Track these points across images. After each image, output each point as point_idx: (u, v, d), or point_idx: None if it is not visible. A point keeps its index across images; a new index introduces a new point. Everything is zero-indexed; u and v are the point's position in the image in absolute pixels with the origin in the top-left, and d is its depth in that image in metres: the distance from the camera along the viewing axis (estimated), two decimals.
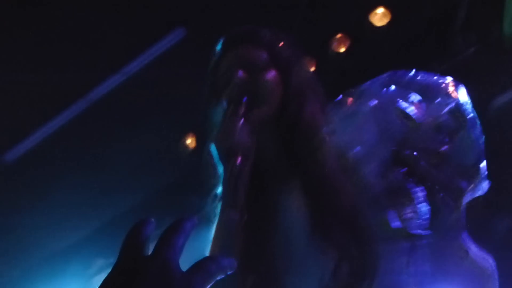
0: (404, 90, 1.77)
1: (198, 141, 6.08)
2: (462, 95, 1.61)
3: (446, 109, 1.58)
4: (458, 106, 1.61)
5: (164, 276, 0.95)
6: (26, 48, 5.06)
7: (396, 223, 1.41)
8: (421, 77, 1.70)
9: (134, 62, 5.41)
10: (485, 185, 1.54)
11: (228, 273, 0.98)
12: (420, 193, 1.44)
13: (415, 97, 1.70)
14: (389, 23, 5.27)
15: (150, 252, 1.01)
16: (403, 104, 1.60)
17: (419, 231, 1.34)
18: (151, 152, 6.15)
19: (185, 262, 0.99)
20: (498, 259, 1.83)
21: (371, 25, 5.29)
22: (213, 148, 1.87)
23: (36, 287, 7.06)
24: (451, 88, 1.61)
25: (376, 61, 5.49)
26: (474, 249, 1.74)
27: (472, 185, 1.55)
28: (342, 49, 5.45)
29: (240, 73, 1.92)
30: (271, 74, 1.92)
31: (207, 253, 1.87)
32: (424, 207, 1.51)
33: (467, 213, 1.81)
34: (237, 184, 1.80)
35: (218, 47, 2.09)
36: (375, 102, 1.69)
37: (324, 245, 1.75)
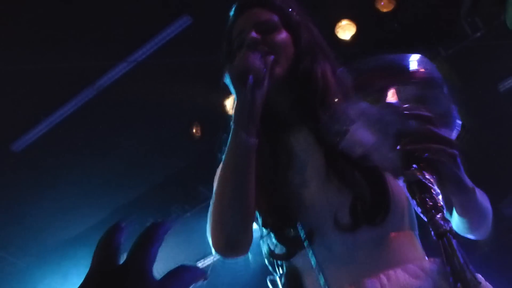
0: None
1: (204, 129, 6.09)
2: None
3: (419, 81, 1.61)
4: (426, 74, 1.63)
5: (138, 285, 0.92)
6: (32, 37, 5.08)
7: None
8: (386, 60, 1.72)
9: (140, 50, 5.42)
10: (458, 124, 1.59)
11: (202, 282, 0.96)
12: (435, 186, 1.46)
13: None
14: (394, 9, 5.26)
15: (123, 260, 0.96)
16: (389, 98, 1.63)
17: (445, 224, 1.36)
18: (157, 140, 6.17)
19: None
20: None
21: (377, 11, 5.28)
22: (227, 77, 1.92)
23: (46, 274, 7.12)
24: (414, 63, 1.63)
25: (381, 47, 5.49)
26: None
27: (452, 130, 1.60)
28: (347, 37, 5.44)
29: (253, 33, 1.97)
30: (283, 35, 2.00)
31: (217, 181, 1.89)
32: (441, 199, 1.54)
33: None
34: (251, 106, 1.84)
35: (232, 11, 2.12)
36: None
37: (338, 185, 1.82)
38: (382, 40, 5.41)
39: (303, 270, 1.85)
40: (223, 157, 1.89)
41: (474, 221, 1.80)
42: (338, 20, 5.39)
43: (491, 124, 5.70)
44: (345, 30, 5.42)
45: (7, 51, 5.07)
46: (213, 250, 1.90)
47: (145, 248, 0.95)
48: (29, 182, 6.30)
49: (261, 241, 1.96)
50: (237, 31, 2.06)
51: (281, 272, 1.92)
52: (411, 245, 1.86)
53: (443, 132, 1.54)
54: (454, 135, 1.60)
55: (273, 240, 1.90)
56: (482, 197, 1.79)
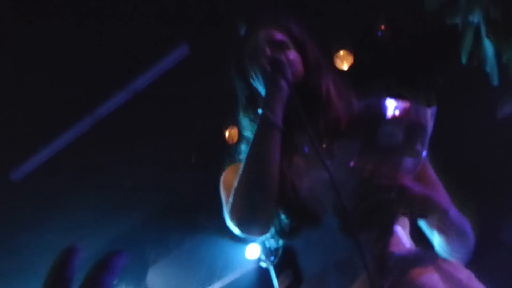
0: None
1: (203, 158, 6.10)
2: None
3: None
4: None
5: None
6: (31, 66, 5.10)
7: None
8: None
9: (139, 80, 5.45)
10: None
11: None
12: None
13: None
14: (391, 36, 5.30)
15: None
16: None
17: None
18: (156, 170, 6.17)
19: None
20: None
21: (373, 37, 5.33)
22: (253, 68, 2.13)
23: None
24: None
25: (378, 72, 5.53)
26: None
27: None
28: (345, 66, 5.48)
29: (268, 50, 2.16)
30: (293, 54, 2.17)
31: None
32: None
33: None
34: (280, 91, 2.04)
35: (243, 31, 2.30)
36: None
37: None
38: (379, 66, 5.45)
39: (300, 249, 1.95)
40: (251, 139, 2.04)
41: (451, 241, 1.96)
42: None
43: (489, 151, 5.71)
44: (343, 60, 5.46)
45: (6, 79, 5.10)
46: (232, 225, 1.97)
47: (98, 280, 0.86)
48: (27, 211, 6.28)
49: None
50: (250, 49, 2.21)
51: (275, 256, 2.01)
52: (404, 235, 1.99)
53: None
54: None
55: (280, 216, 1.97)
56: (459, 219, 1.97)
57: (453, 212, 1.93)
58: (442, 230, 1.96)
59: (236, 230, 1.98)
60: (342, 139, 2.07)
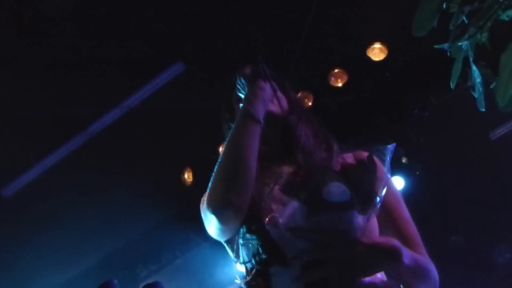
0: None
1: (195, 175, 6.08)
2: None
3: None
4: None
5: None
6: (24, 83, 5.10)
7: None
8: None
9: (133, 96, 5.45)
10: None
11: None
12: None
13: None
14: (386, 58, 5.32)
15: None
16: None
17: None
18: (149, 186, 6.15)
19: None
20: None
21: (368, 59, 5.35)
22: (239, 78, 2.23)
23: None
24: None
25: (372, 94, 5.55)
26: None
27: None
28: (340, 84, 5.50)
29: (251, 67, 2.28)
30: (281, 96, 2.28)
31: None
32: None
33: None
34: (262, 92, 2.15)
35: (233, 80, 2.35)
36: None
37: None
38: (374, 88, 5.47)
39: (273, 273, 1.97)
40: (230, 131, 2.10)
41: (412, 285, 2.02)
42: (332, 68, 5.48)
43: (482, 172, 5.72)
44: (337, 78, 5.49)
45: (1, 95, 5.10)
46: (207, 210, 1.99)
47: None
48: (18, 227, 6.24)
49: (239, 244, 2.07)
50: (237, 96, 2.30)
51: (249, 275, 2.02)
52: None
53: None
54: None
55: (255, 245, 1.99)
56: (418, 266, 2.00)
57: (409, 260, 1.94)
58: (399, 278, 2.00)
59: (210, 221, 2.00)
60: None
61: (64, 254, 6.59)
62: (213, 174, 2.03)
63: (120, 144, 5.74)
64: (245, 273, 2.04)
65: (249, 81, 2.19)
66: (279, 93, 2.26)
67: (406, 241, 2.07)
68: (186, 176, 6.09)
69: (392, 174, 5.66)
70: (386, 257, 1.92)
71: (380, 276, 1.96)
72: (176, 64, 5.26)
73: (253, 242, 1.99)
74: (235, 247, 2.06)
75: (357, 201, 1.89)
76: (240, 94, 2.23)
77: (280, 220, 1.93)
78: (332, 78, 5.52)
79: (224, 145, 2.08)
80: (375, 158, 2.16)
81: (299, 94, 5.59)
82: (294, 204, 1.94)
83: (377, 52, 5.28)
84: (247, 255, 2.02)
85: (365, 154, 2.23)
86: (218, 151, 5.56)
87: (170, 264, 7.05)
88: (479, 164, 5.57)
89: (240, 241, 2.03)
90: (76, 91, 5.20)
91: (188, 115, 5.48)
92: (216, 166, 2.04)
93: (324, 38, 5.23)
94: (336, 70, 5.50)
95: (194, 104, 5.32)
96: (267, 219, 1.96)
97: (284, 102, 2.28)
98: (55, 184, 5.97)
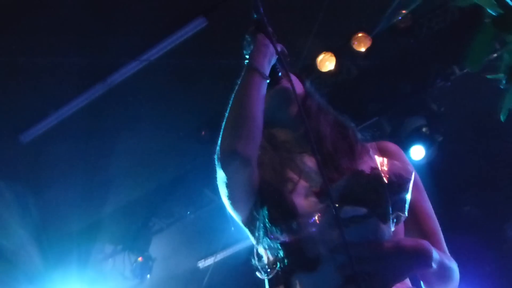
0: None
1: (212, 132, 6.07)
2: None
3: None
4: None
5: None
6: (46, 30, 5.09)
7: None
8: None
9: (153, 49, 5.42)
10: None
11: None
12: None
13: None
14: (411, 25, 5.24)
15: None
16: None
17: None
18: (165, 141, 6.16)
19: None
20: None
21: (394, 25, 5.28)
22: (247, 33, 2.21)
23: (47, 266, 7.10)
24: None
25: (395, 61, 5.48)
26: None
27: None
28: (363, 48, 5.42)
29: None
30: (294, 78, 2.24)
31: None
32: None
33: None
34: (267, 49, 2.12)
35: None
36: None
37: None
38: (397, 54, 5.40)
39: (297, 270, 1.94)
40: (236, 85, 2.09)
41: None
42: (355, 33, 5.41)
43: (500, 147, 5.67)
44: (361, 42, 5.41)
45: (21, 42, 5.09)
46: (216, 164, 2.01)
47: None
48: (34, 174, 6.30)
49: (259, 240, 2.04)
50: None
51: (271, 269, 2.02)
52: None
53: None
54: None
55: (277, 252, 1.97)
56: (443, 267, 1.99)
57: (437, 263, 1.93)
58: (425, 280, 2.02)
59: (219, 176, 2.00)
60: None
61: (78, 204, 6.66)
62: (222, 125, 2.04)
63: (138, 97, 5.74)
64: (266, 262, 2.04)
65: (253, 38, 2.17)
66: (292, 75, 2.21)
67: (427, 237, 2.06)
68: (203, 132, 6.08)
69: (413, 143, 5.62)
70: (416, 262, 1.90)
71: (408, 282, 1.96)
72: (197, 19, 5.21)
73: (277, 246, 1.97)
74: (256, 234, 2.03)
75: (379, 211, 1.86)
76: (246, 52, 2.20)
77: (314, 229, 1.90)
78: (356, 42, 5.44)
79: (232, 99, 2.07)
80: (403, 155, 2.18)
81: (321, 56, 5.53)
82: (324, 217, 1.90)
83: (403, 19, 5.20)
84: (271, 254, 2.01)
85: (390, 145, 2.23)
86: None
87: (183, 219, 7.10)
88: (499, 136, 5.51)
89: (263, 243, 2.00)
90: (96, 40, 5.18)
91: (207, 71, 5.45)
92: (224, 118, 2.05)
93: (348, 1, 5.15)
94: (360, 34, 5.42)
95: (214, 61, 5.29)
96: (296, 222, 1.92)
97: (299, 85, 2.25)
98: (72, 133, 6.00)
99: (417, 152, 5.56)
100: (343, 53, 5.53)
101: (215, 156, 2.02)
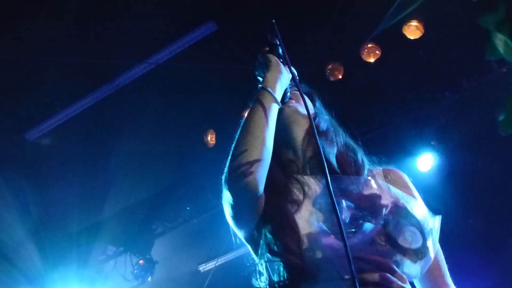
0: None
1: (218, 137, 6.07)
2: None
3: None
4: None
5: None
6: (56, 30, 5.10)
7: None
8: None
9: (162, 52, 5.43)
10: None
11: None
12: None
13: None
14: (421, 36, 5.23)
15: None
16: None
17: None
18: (171, 144, 6.15)
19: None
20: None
21: (403, 37, 5.26)
22: (261, 57, 2.24)
23: (48, 263, 7.09)
24: None
25: (404, 72, 5.46)
26: None
27: None
28: (372, 59, 5.41)
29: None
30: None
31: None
32: None
33: None
34: (282, 75, 2.16)
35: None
36: None
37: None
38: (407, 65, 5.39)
39: None
40: (249, 109, 2.11)
41: None
42: (365, 43, 5.40)
43: (506, 159, 5.64)
44: (370, 53, 5.40)
45: (30, 41, 5.10)
46: (223, 187, 2.01)
47: None
48: (37, 172, 6.31)
49: (260, 265, 2.06)
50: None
51: None
52: None
53: None
54: None
55: (278, 268, 1.98)
56: None
57: None
58: None
59: (226, 198, 2.01)
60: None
61: (81, 204, 6.66)
62: (232, 149, 2.04)
63: (145, 99, 5.74)
64: (267, 282, 2.04)
65: (266, 60, 2.19)
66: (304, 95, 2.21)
67: (431, 269, 2.06)
68: (209, 138, 6.09)
69: (420, 154, 5.60)
70: None
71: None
72: (207, 24, 5.22)
73: (276, 263, 1.99)
74: (259, 251, 2.05)
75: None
76: (258, 73, 2.23)
77: (331, 250, 1.89)
78: (365, 53, 5.44)
79: (242, 123, 2.08)
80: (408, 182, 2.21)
81: (330, 66, 5.52)
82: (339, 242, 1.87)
83: (413, 30, 5.18)
84: (271, 269, 2.03)
85: (395, 172, 2.25)
86: (243, 115, 5.53)
87: (186, 223, 7.10)
88: (506, 151, 5.48)
89: (264, 259, 2.03)
90: (105, 42, 5.19)
91: (215, 76, 5.45)
92: (233, 143, 2.05)
93: (360, 11, 5.14)
94: (369, 45, 5.41)
95: (222, 66, 5.29)
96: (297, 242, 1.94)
97: (309, 105, 2.27)
98: (76, 133, 6.01)
99: (424, 163, 5.58)
100: (352, 63, 5.52)
101: (223, 177, 2.02)
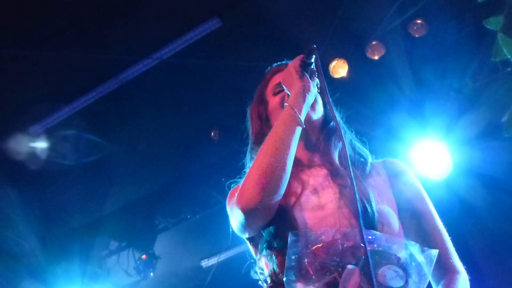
0: None
1: (222, 134, 6.06)
2: None
3: None
4: None
5: None
6: (61, 25, 5.10)
7: None
8: None
9: (166, 48, 5.42)
10: None
11: None
12: None
13: None
14: (426, 34, 5.22)
15: None
16: None
17: None
18: (174, 140, 6.16)
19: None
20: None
21: (408, 34, 5.25)
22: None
23: (51, 258, 7.11)
24: None
25: (408, 70, 5.46)
26: None
27: None
28: (376, 57, 5.41)
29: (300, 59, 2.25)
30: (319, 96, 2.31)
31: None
32: None
33: None
34: (308, 93, 2.15)
35: (269, 69, 2.47)
36: None
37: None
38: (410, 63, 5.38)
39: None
40: (272, 129, 2.11)
41: None
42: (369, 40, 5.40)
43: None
44: (374, 51, 5.40)
45: (35, 36, 5.10)
46: (236, 206, 2.02)
47: None
48: (41, 167, 6.31)
49: (258, 259, 2.11)
50: (275, 82, 2.36)
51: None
52: None
53: None
54: None
55: (276, 262, 2.01)
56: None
57: None
58: None
59: (236, 216, 2.03)
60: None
61: (84, 200, 6.67)
62: (249, 170, 2.05)
63: (149, 95, 5.74)
64: (266, 275, 2.07)
65: (298, 79, 2.17)
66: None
67: (438, 254, 2.06)
68: (213, 134, 6.08)
69: (425, 153, 5.60)
70: None
71: None
72: (212, 20, 5.21)
73: (275, 258, 2.01)
74: (259, 247, 2.08)
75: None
76: (285, 86, 2.22)
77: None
78: (369, 50, 5.43)
79: (264, 143, 2.08)
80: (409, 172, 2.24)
81: (334, 62, 5.51)
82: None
83: (418, 28, 5.18)
84: (267, 265, 2.05)
85: (398, 163, 2.29)
86: (246, 112, 5.53)
87: (188, 219, 7.11)
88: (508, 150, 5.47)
89: (263, 254, 2.05)
90: (110, 37, 5.19)
91: (219, 72, 5.45)
92: (253, 163, 2.06)
93: (365, 8, 5.13)
94: (374, 43, 5.40)
95: (226, 62, 5.29)
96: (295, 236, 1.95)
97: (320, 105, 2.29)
98: (81, 128, 6.02)
99: (427, 160, 5.58)
100: (356, 60, 5.51)
101: (235, 199, 2.03)
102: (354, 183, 1.89)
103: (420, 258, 1.91)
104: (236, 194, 2.04)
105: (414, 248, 1.91)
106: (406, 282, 1.84)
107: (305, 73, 2.17)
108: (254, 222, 2.03)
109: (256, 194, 1.97)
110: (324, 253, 1.87)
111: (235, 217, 2.04)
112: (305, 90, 2.14)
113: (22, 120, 5.94)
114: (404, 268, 1.86)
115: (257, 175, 2.00)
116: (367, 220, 1.95)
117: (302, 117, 2.09)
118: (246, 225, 2.04)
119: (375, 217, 1.99)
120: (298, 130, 2.08)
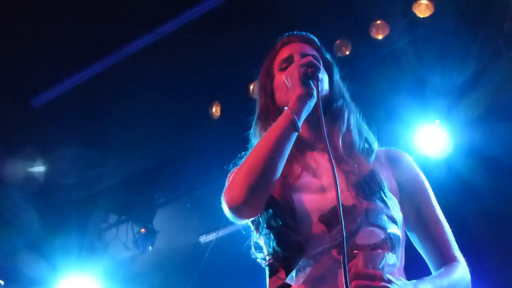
0: None
1: (223, 110, 6.05)
2: None
3: None
4: None
5: None
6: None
7: None
8: None
9: (170, 23, 5.40)
10: None
11: None
12: None
13: None
14: (432, 15, 5.19)
15: None
16: None
17: None
18: (175, 115, 6.15)
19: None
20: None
21: (413, 15, 5.22)
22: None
23: (50, 230, 7.13)
24: None
25: (412, 51, 5.43)
26: None
27: None
28: (380, 36, 5.38)
29: (303, 59, 2.22)
30: (323, 71, 2.23)
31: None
32: None
33: None
34: (309, 98, 2.11)
35: (278, 42, 2.42)
36: None
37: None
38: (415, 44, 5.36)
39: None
40: (268, 131, 2.10)
41: None
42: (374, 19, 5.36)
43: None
44: (379, 30, 5.37)
45: (39, 6, 5.08)
46: (225, 205, 2.05)
47: None
48: (41, 139, 6.32)
49: (256, 237, 2.14)
50: (283, 57, 2.34)
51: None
52: None
53: None
54: None
55: (274, 240, 2.03)
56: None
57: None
58: None
59: (226, 210, 2.05)
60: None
61: (85, 172, 6.69)
62: (240, 167, 2.07)
63: (151, 69, 5.72)
64: (265, 253, 2.10)
65: (301, 83, 2.13)
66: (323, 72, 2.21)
67: (437, 244, 2.15)
68: (214, 109, 6.06)
69: (427, 134, 5.60)
70: None
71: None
72: None
73: (273, 237, 2.03)
74: (257, 226, 2.10)
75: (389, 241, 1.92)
76: (287, 81, 2.19)
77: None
78: (373, 30, 5.40)
79: (258, 143, 2.08)
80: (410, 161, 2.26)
81: (338, 42, 5.48)
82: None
83: (423, 8, 5.14)
84: (266, 243, 2.08)
85: (398, 153, 2.29)
86: (249, 89, 5.51)
87: (188, 194, 7.12)
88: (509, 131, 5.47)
89: (262, 234, 2.08)
90: (114, 10, 5.16)
91: (222, 48, 5.43)
92: (244, 160, 2.07)
93: None
94: (378, 22, 5.37)
95: (229, 38, 5.26)
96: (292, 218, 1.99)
97: (326, 84, 2.25)
98: (83, 101, 6.01)
99: (430, 142, 5.57)
100: (360, 40, 5.48)
101: (223, 194, 2.06)
102: (334, 166, 1.92)
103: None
104: (226, 186, 2.09)
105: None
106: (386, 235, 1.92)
107: (310, 81, 2.14)
108: (241, 217, 2.07)
109: (241, 194, 1.99)
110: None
111: (224, 210, 2.07)
112: (308, 96, 2.11)
113: (25, 91, 5.94)
114: (383, 228, 1.94)
115: (244, 176, 2.02)
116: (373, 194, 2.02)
117: (300, 122, 2.08)
118: (234, 219, 2.08)
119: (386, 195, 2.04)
120: (294, 135, 2.07)
